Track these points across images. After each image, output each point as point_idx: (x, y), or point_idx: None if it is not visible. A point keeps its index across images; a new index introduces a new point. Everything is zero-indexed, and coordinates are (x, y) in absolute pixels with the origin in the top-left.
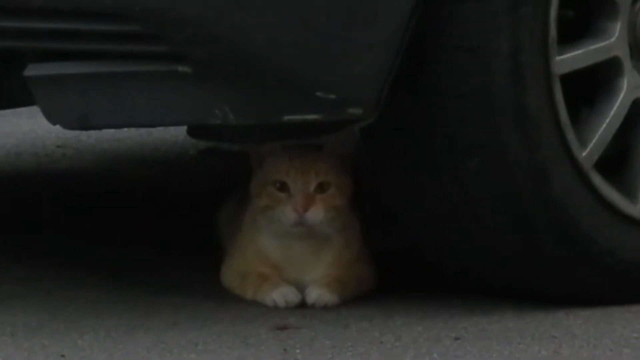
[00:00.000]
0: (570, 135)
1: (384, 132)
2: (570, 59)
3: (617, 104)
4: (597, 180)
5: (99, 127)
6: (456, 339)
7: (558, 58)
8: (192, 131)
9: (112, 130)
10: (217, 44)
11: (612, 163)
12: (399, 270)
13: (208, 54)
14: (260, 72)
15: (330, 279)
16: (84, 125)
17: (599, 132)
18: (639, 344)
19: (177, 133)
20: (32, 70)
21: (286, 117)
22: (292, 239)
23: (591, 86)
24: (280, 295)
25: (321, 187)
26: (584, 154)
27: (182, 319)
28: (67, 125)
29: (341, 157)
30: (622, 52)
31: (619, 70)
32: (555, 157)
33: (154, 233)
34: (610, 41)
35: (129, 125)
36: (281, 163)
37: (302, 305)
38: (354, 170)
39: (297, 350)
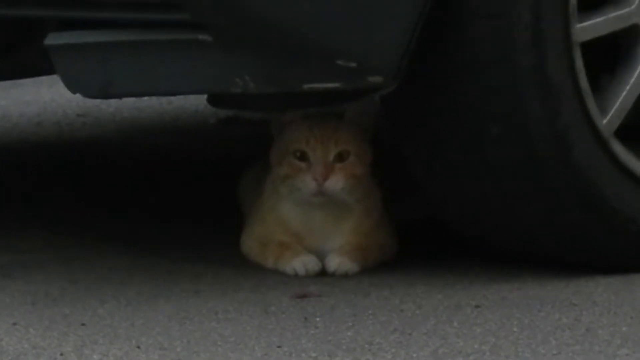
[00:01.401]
0: (591, 103)
1: (405, 101)
2: (591, 26)
3: (637, 71)
4: (618, 147)
5: (119, 96)
6: (477, 306)
7: (578, 26)
8: (213, 99)
9: (132, 99)
10: (238, 12)
11: (633, 131)
12: (419, 239)
13: (228, 22)
14: (281, 40)
15: (351, 248)
16: (105, 93)
17: (620, 100)
18: None
19: (197, 102)
20: (53, 39)
21: (306, 86)
22: (313, 208)
23: (612, 54)
24: (301, 263)
25: (341, 156)
26: (604, 121)
27: (202, 287)
28: (88, 94)
29: (361, 126)
30: None
31: (639, 38)
32: (576, 125)
33: (174, 201)
34: (631, 9)
35: (149, 94)
36: (301, 132)
37: (323, 273)
38: (375, 139)
39: (318, 319)
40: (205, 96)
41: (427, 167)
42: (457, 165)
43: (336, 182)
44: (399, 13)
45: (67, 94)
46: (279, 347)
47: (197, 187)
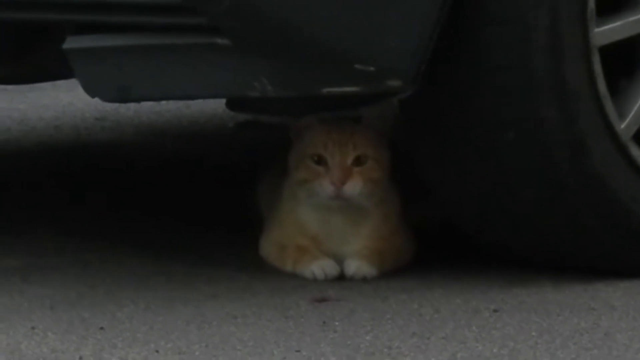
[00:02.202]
0: (609, 107)
1: (422, 105)
2: (609, 30)
3: None
4: (636, 152)
5: (137, 100)
6: (495, 311)
7: (596, 30)
8: (231, 104)
9: (151, 103)
10: (256, 16)
11: None
12: (437, 243)
13: (246, 26)
14: (299, 44)
15: (369, 252)
16: (123, 97)
17: (638, 104)
18: None
19: (215, 105)
20: (71, 43)
21: (325, 90)
22: (331, 212)
23: (630, 58)
24: (319, 267)
25: (359, 160)
26: (622, 125)
27: (221, 291)
28: (106, 98)
29: (379, 130)
30: None
31: None
32: (594, 129)
33: (192, 205)
34: None
35: (167, 98)
36: (319, 136)
37: (341, 277)
38: (393, 143)
39: (336, 323)
40: (224, 100)
41: (442, 171)
42: (472, 170)
43: (354, 186)
44: (417, 17)
45: (86, 97)
46: (297, 351)
47: (215, 191)
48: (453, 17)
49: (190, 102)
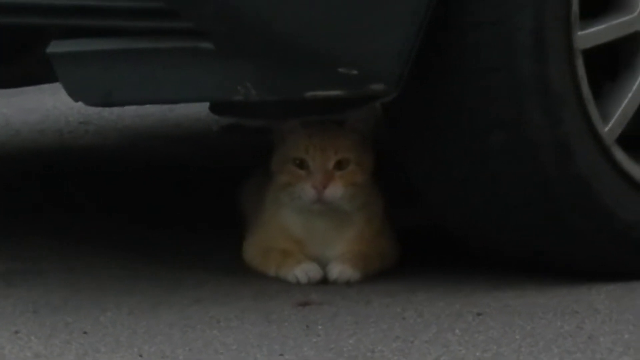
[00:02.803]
0: (593, 110)
1: (406, 108)
2: (592, 34)
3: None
4: (620, 155)
5: (121, 104)
6: (478, 314)
7: (580, 33)
8: (215, 107)
9: (134, 107)
10: (239, 19)
11: (635, 138)
12: (421, 246)
13: (230, 30)
14: (283, 48)
15: (352, 255)
16: (107, 101)
17: (621, 107)
18: None
19: (199, 109)
20: (55, 47)
21: (308, 93)
22: (314, 216)
23: (613, 61)
24: (303, 271)
25: (340, 164)
26: (606, 129)
27: (204, 295)
28: (90, 102)
29: (362, 134)
30: None
31: None
32: (578, 132)
33: (176, 209)
34: (632, 16)
35: (151, 102)
36: (301, 140)
37: (324, 281)
38: (376, 146)
39: (320, 327)
40: (207, 104)
41: (428, 174)
42: (458, 173)
43: (335, 190)
44: (401, 20)
45: (70, 101)
46: (281, 355)
47: (199, 195)
48: (438, 19)
49: (174, 106)
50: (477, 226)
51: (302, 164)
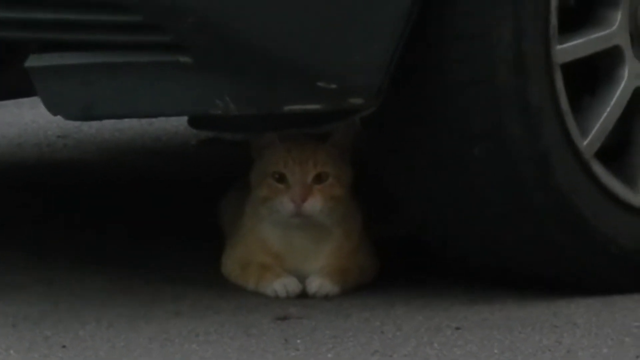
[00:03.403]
0: (572, 124)
1: (385, 122)
2: (572, 47)
3: (618, 92)
4: (599, 169)
5: (100, 118)
6: (457, 328)
7: (559, 47)
8: (193, 121)
9: (113, 121)
10: (218, 34)
11: (613, 152)
12: (400, 260)
13: (209, 44)
14: (261, 62)
15: (331, 269)
16: (86, 115)
17: (600, 121)
18: None
19: (178, 123)
20: (34, 61)
21: (287, 107)
22: (293, 229)
23: (592, 75)
24: (282, 285)
25: (319, 178)
26: (585, 142)
27: (184, 309)
28: (69, 116)
29: (341, 147)
30: (623, 41)
31: (620, 59)
32: (557, 146)
33: (155, 223)
34: (611, 30)
35: (130, 116)
36: (280, 154)
37: (303, 295)
38: (355, 160)
39: (298, 340)
40: (186, 118)
41: (407, 187)
42: (437, 187)
43: (314, 204)
44: (380, 34)
45: (48, 115)
46: None
47: (179, 209)
48: (416, 33)
49: (153, 120)
50: (456, 239)
51: (280, 178)
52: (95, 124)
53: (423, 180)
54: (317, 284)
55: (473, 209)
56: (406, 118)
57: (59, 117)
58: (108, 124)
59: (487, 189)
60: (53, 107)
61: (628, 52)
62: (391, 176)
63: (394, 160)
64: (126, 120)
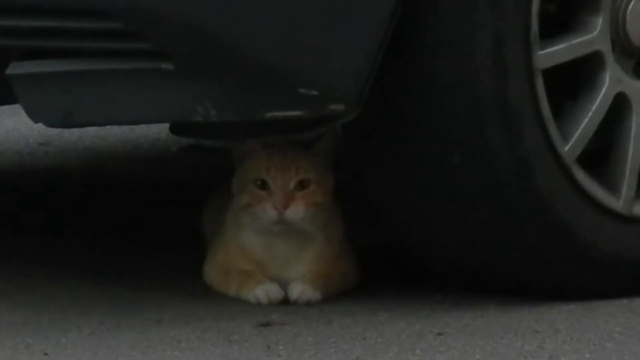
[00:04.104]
0: (553, 129)
1: (366, 128)
2: (552, 53)
3: (600, 98)
4: (580, 174)
5: (81, 125)
6: (439, 334)
7: (540, 52)
8: (175, 128)
9: (95, 128)
10: (199, 41)
11: (595, 157)
12: (382, 266)
13: (190, 51)
14: (242, 68)
15: (313, 276)
16: (67, 123)
17: (582, 127)
18: (621, 339)
19: (159, 130)
20: (15, 69)
21: (268, 114)
22: (274, 236)
23: (573, 80)
24: (263, 291)
25: (301, 185)
26: (566, 148)
27: (165, 316)
28: (50, 123)
29: (322, 154)
30: (604, 46)
31: (601, 65)
32: (538, 152)
33: (136, 230)
34: (592, 35)
35: (111, 123)
36: (261, 161)
37: (285, 301)
38: (337, 166)
39: (280, 347)
40: (168, 125)
41: (389, 193)
42: (418, 192)
43: (297, 211)
44: (360, 41)
45: (29, 122)
46: None
47: (160, 216)
48: (398, 39)
49: (134, 127)
50: (438, 245)
51: (262, 185)
52: (76, 131)
53: (404, 186)
54: (299, 290)
55: (453, 215)
56: (387, 124)
57: (40, 125)
58: (90, 131)
59: (468, 195)
60: (34, 115)
61: (609, 58)
62: (372, 182)
63: (375, 167)
64: (108, 127)
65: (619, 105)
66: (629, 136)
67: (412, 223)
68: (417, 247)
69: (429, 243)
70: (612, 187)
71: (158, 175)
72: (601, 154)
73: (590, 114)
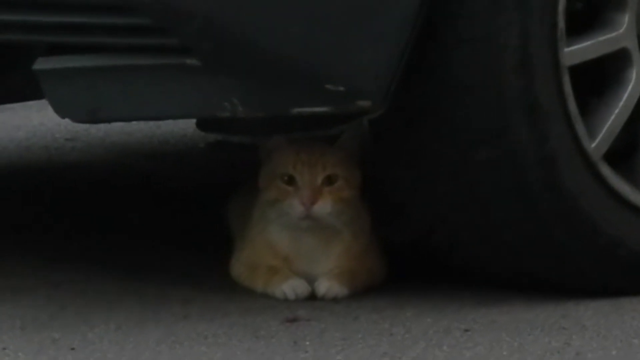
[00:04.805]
0: (579, 126)
1: (393, 124)
2: (579, 50)
3: (626, 95)
4: (606, 171)
5: (108, 120)
6: (466, 330)
7: (567, 50)
8: (201, 124)
9: (121, 123)
10: (225, 36)
11: (621, 154)
12: (409, 262)
13: (216, 47)
14: (269, 64)
15: (340, 271)
16: (93, 118)
17: (608, 123)
18: None
19: (186, 126)
20: (42, 64)
21: (295, 110)
22: (302, 232)
23: (600, 77)
24: (290, 287)
25: (329, 180)
26: (592, 145)
27: (192, 311)
28: (76, 119)
29: (349, 150)
30: (631, 44)
31: (628, 62)
32: (564, 149)
33: (163, 226)
34: (619, 32)
35: (138, 119)
36: (288, 156)
37: (312, 297)
38: (363, 162)
39: (307, 343)
40: (194, 120)
41: (414, 190)
42: (443, 190)
43: (324, 206)
44: (387, 37)
45: (56, 118)
46: None
47: (187, 212)
48: (425, 36)
49: (160, 123)
50: (462, 243)
51: (290, 180)
52: (103, 126)
53: (429, 184)
54: (325, 286)
55: (479, 213)
56: (412, 121)
57: (66, 120)
58: (116, 127)
59: (493, 193)
60: (61, 110)
61: (636, 55)
62: (398, 179)
63: (400, 164)
64: (134, 122)
65: None
66: None
67: (436, 220)
68: (440, 244)
69: (453, 240)
70: (638, 184)
71: (184, 171)
72: (628, 151)
73: (616, 111)
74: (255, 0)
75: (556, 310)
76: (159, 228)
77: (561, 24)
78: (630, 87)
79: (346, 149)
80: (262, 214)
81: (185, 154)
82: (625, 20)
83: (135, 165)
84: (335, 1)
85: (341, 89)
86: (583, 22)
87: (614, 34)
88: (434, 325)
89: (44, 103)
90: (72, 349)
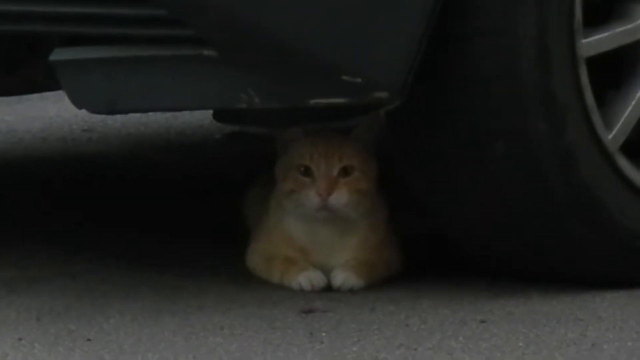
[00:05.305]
0: (596, 118)
1: (409, 116)
2: (596, 41)
3: None
4: (623, 163)
5: (125, 112)
6: (482, 321)
7: (584, 41)
8: (218, 115)
9: (138, 114)
10: (242, 27)
11: (638, 146)
12: (425, 254)
13: (233, 38)
14: (286, 55)
15: (356, 263)
16: (110, 109)
17: (625, 115)
18: None
19: (202, 117)
20: (58, 55)
21: (312, 101)
22: (318, 223)
23: (617, 69)
24: (307, 278)
25: (345, 171)
26: (610, 136)
27: (208, 302)
28: (93, 110)
29: (366, 141)
30: None
31: None
32: (581, 141)
33: (179, 217)
34: (636, 24)
35: (154, 110)
36: (305, 147)
37: (328, 288)
38: (380, 154)
39: (324, 334)
40: (211, 111)
41: (430, 182)
42: (460, 183)
43: (340, 197)
44: (405, 29)
45: (73, 109)
46: None
47: (203, 203)
48: (441, 27)
49: (177, 114)
50: (480, 235)
51: (306, 172)
52: (120, 117)
53: (446, 176)
54: (342, 277)
55: (496, 205)
56: (430, 113)
57: (83, 111)
58: (133, 118)
59: (511, 184)
60: (78, 101)
61: None
62: (414, 171)
63: (417, 156)
64: (151, 113)
65: None
66: None
67: (453, 212)
68: (458, 237)
69: (470, 233)
70: None
71: (201, 162)
72: None
73: (633, 103)
74: None
75: (572, 302)
76: (175, 219)
77: (578, 15)
78: None
79: (362, 140)
80: (278, 205)
81: (202, 145)
82: None
83: (152, 156)
84: None
85: (358, 80)
86: (600, 14)
87: (631, 26)
88: (450, 316)
89: (60, 94)
90: (88, 339)
